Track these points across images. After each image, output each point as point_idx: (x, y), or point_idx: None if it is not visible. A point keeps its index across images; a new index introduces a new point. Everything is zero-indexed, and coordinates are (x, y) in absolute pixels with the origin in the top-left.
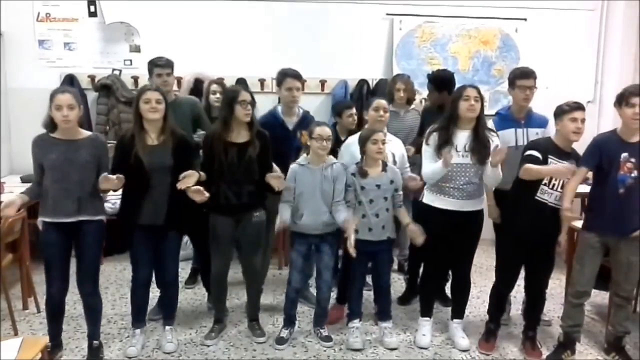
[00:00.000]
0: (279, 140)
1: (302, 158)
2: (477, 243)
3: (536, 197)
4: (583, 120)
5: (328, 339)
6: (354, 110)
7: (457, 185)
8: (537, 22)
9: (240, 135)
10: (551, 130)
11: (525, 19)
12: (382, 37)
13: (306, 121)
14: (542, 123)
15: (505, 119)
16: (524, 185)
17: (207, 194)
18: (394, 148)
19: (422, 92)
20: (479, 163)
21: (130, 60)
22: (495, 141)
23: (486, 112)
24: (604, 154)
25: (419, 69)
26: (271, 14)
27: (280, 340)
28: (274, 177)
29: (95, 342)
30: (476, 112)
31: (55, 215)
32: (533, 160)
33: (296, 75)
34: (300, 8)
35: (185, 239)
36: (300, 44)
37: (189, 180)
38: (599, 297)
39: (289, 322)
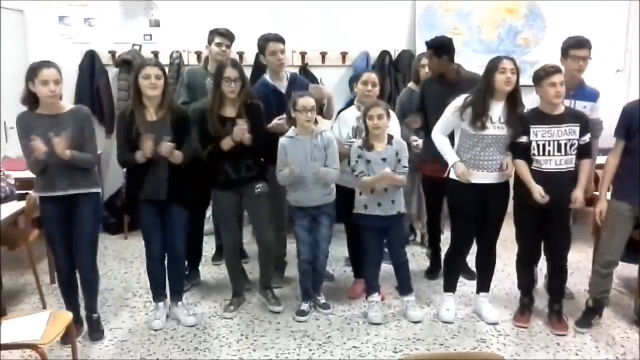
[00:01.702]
0: (275, 107)
1: (291, 130)
2: (504, 215)
3: (532, 168)
4: (562, 83)
5: (326, 306)
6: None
7: (490, 156)
8: None
9: (232, 110)
10: (601, 105)
11: None
12: (404, 7)
13: (296, 82)
14: (592, 97)
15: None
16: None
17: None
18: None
19: None
20: (514, 136)
21: (150, 35)
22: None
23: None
24: (633, 122)
25: None
26: None
27: (301, 313)
28: (239, 130)
29: (94, 314)
30: (512, 85)
31: (48, 190)
32: (519, 147)
33: (278, 39)
34: None
35: (208, 214)
36: (320, 15)
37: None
38: (627, 269)
39: (307, 295)
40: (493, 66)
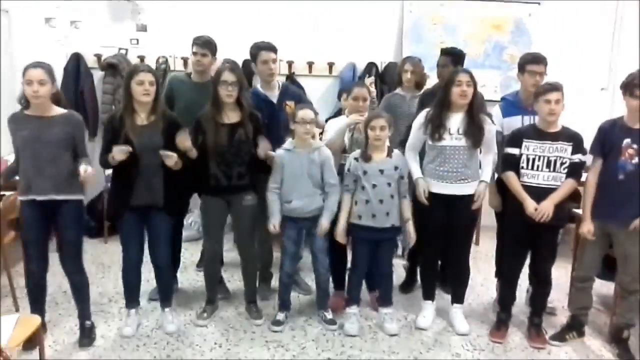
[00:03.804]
0: (266, 116)
1: (288, 143)
2: (473, 227)
3: (520, 182)
4: (557, 102)
5: (332, 322)
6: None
7: (452, 168)
8: (551, 6)
9: (229, 116)
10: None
11: (538, 3)
12: (392, 20)
13: (289, 91)
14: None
15: (513, 105)
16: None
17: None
18: None
19: (433, 76)
20: (473, 146)
21: (137, 40)
22: (489, 125)
23: (497, 97)
24: (607, 140)
25: (429, 53)
26: None
27: (277, 323)
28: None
29: (87, 322)
30: (468, 98)
31: (30, 193)
32: (512, 160)
33: (270, 47)
34: None
35: (190, 219)
36: (308, 25)
37: (171, 161)
38: (605, 287)
39: (284, 306)
40: (450, 79)
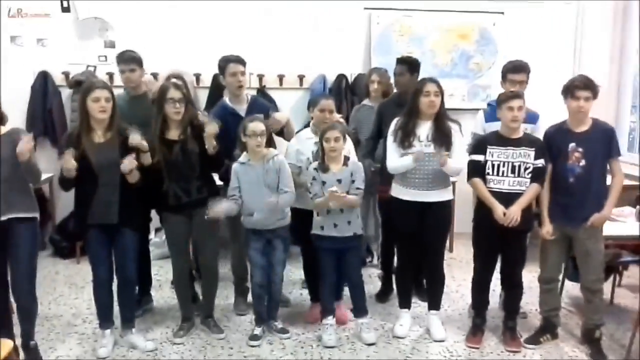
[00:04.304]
0: (233, 131)
1: (243, 156)
2: (446, 234)
3: (487, 187)
4: (520, 108)
5: (284, 330)
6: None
7: (422, 175)
8: (514, 15)
9: (179, 132)
10: (541, 127)
11: (502, 13)
12: (360, 32)
13: (256, 104)
14: (532, 119)
15: (496, 111)
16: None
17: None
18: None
19: None
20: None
21: (105, 56)
22: (456, 130)
23: (465, 106)
24: (553, 145)
25: None
26: (248, 10)
27: (254, 337)
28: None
29: (32, 342)
30: (436, 108)
31: None
32: (477, 166)
33: (239, 60)
34: (277, 3)
35: (162, 237)
36: (278, 39)
37: (130, 165)
38: (576, 289)
39: (260, 318)
40: (418, 89)
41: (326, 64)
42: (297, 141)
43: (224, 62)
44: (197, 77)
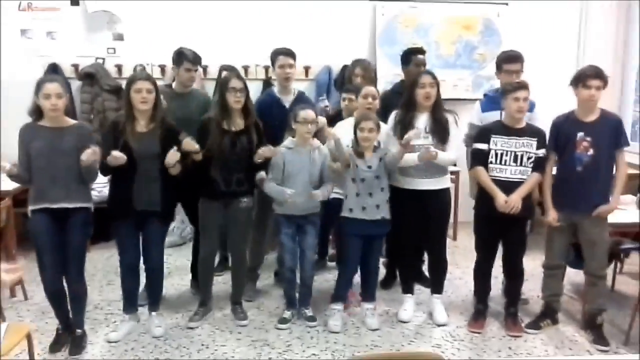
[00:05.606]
0: (276, 119)
1: (289, 141)
2: (446, 221)
3: (490, 176)
4: (525, 99)
5: (312, 318)
6: (347, 95)
7: (422, 165)
8: (518, 6)
9: (235, 123)
10: (538, 115)
11: (506, 4)
12: (365, 23)
13: (302, 100)
14: (529, 107)
15: (492, 101)
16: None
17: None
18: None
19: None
20: (440, 143)
21: (114, 49)
22: (451, 122)
23: (470, 96)
24: (560, 134)
25: None
26: (254, 2)
27: (283, 321)
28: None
29: (78, 330)
30: (432, 100)
31: (42, 202)
32: (480, 155)
33: (288, 53)
34: None
35: (172, 226)
36: (283, 29)
37: (173, 157)
38: (579, 276)
39: (291, 303)
40: (414, 81)
41: (332, 55)
42: (339, 125)
43: (274, 55)
44: (204, 69)
